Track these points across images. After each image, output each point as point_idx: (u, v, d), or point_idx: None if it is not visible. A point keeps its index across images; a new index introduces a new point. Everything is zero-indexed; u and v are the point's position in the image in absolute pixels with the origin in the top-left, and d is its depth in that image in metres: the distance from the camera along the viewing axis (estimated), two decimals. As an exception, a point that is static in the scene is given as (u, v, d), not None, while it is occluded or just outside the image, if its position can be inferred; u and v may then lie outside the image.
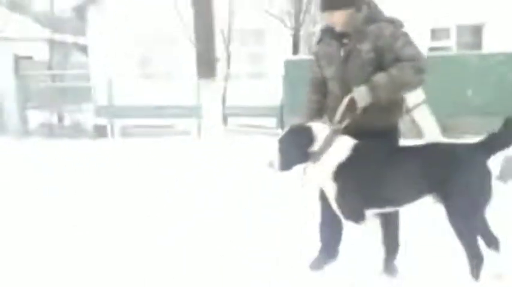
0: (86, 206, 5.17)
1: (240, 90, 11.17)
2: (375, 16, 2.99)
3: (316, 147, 2.98)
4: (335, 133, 2.98)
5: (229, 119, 11.03)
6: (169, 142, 9.12)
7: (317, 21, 11.52)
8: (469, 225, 2.80)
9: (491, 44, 11.88)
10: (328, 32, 3.14)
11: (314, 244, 3.57)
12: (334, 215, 3.12)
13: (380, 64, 2.91)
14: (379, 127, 3.01)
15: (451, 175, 2.77)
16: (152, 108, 11.22)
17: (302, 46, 11.77)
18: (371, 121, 2.96)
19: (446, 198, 2.80)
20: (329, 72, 3.14)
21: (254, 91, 11.04)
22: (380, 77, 2.84)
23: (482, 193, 2.80)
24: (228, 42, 11.45)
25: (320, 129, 3.02)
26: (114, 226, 4.50)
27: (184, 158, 7.36)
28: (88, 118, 11.51)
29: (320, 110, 3.29)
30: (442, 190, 2.80)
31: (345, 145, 2.97)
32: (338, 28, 3.02)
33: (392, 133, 3.15)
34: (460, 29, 12.60)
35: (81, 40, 17.45)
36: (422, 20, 11.64)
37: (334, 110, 3.03)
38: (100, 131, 10.97)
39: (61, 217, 4.77)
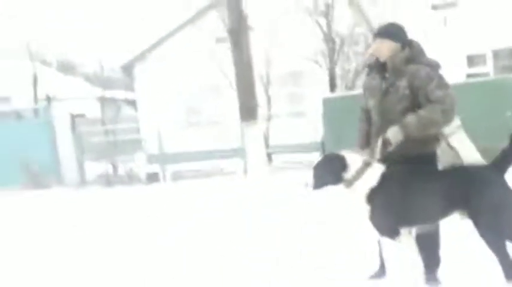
0: (141, 245, 5.45)
1: (282, 130, 11.57)
2: (415, 57, 3.32)
3: (348, 175, 3.34)
4: (367, 165, 3.34)
5: (274, 157, 11.39)
6: (217, 182, 9.53)
7: (351, 59, 11.94)
8: (496, 236, 3.06)
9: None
10: (374, 67, 3.52)
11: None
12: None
13: (414, 100, 3.24)
14: (416, 154, 3.29)
15: (472, 193, 3.07)
16: (199, 153, 11.78)
17: (339, 83, 12.14)
18: (408, 150, 3.26)
19: (471, 214, 3.10)
20: (371, 103, 3.49)
21: (295, 130, 11.42)
22: (410, 118, 3.18)
23: (503, 207, 3.05)
24: (267, 86, 11.99)
25: (353, 159, 3.39)
26: (169, 259, 4.73)
27: (231, 195, 7.72)
28: (141, 166, 12.17)
29: (367, 137, 3.61)
30: (467, 207, 3.11)
31: (376, 172, 3.32)
32: (382, 59, 3.39)
33: (429, 159, 3.41)
34: (496, 53, 12.65)
35: (130, 95, 18.53)
36: (458, 48, 11.84)
37: (375, 137, 3.39)
38: (153, 178, 11.59)
39: (118, 257, 5.05)
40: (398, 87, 3.28)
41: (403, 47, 3.36)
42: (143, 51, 15.03)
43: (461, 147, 4.42)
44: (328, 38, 11.86)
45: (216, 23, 11.58)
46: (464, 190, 3.11)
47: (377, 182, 3.30)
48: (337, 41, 11.85)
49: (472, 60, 12.74)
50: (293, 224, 5.66)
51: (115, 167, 12.00)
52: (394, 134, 3.23)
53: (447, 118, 3.18)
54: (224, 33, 11.42)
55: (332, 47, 11.86)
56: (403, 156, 3.27)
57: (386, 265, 3.60)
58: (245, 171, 10.84)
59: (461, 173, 3.23)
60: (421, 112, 3.16)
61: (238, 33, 6.86)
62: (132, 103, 17.77)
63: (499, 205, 3.06)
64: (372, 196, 3.31)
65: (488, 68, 12.70)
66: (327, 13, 11.83)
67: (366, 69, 3.76)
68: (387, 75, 3.38)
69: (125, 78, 16.67)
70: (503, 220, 3.05)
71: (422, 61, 3.31)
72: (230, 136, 12.16)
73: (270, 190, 7.18)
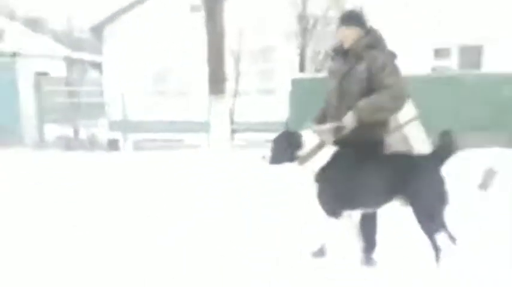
0: (96, 209, 5.58)
1: (249, 107, 11.62)
2: (375, 43, 3.54)
3: (302, 153, 3.52)
4: (320, 146, 3.52)
5: (237, 135, 11.46)
6: (179, 155, 9.55)
7: (322, 41, 12.00)
8: (431, 222, 3.31)
9: (490, 64, 12.27)
10: (338, 51, 3.72)
11: (313, 243, 3.92)
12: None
13: (370, 84, 3.44)
14: (365, 140, 3.49)
15: (411, 181, 3.29)
16: (164, 123, 11.74)
17: (308, 65, 12.22)
18: (359, 136, 3.46)
19: (409, 200, 3.33)
20: (332, 84, 3.68)
21: (263, 107, 11.49)
22: (363, 102, 3.39)
23: (438, 195, 3.30)
24: (238, 60, 11.94)
25: (309, 138, 3.57)
26: (119, 226, 4.90)
27: (192, 167, 7.78)
28: (102, 132, 12.04)
29: (324, 117, 3.80)
30: (406, 193, 3.32)
31: (327, 153, 3.52)
32: (346, 45, 3.60)
33: (377, 145, 3.61)
34: (462, 49, 12.99)
35: (97, 58, 18.13)
36: (426, 41, 12.08)
37: (332, 118, 3.60)
38: (113, 145, 11.48)
39: (70, 221, 5.15)
40: (357, 70, 3.48)
41: (365, 33, 3.55)
42: (114, 14, 14.65)
43: (414, 137, 4.66)
44: (302, 17, 11.88)
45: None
46: (404, 177, 3.30)
47: (327, 163, 3.48)
48: (311, 21, 11.88)
49: (438, 54, 13.05)
50: (252, 198, 5.84)
51: (76, 131, 11.82)
52: (349, 119, 3.41)
53: (396, 104, 3.38)
54: (199, 2, 11.31)
55: (305, 27, 11.90)
56: (353, 141, 3.45)
57: (327, 244, 3.77)
58: (208, 146, 10.90)
59: (403, 162, 3.43)
60: (372, 97, 3.35)
61: (213, 4, 6.81)
62: (99, 66, 17.40)
63: (434, 193, 3.28)
64: (320, 176, 3.50)
65: (453, 61, 13.04)
66: (302, -7, 11.84)
67: (332, 53, 3.89)
68: (348, 59, 3.57)
69: (93, 40, 16.25)
70: (436, 207, 3.26)
71: (381, 48, 3.52)
72: (197, 109, 12.19)
73: (232, 165, 7.26)
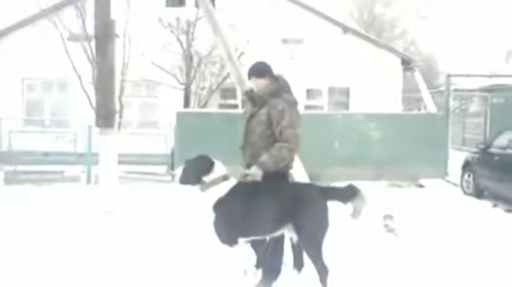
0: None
1: (131, 139, 11.55)
2: (278, 91, 4.06)
3: (207, 180, 3.82)
4: (224, 178, 3.87)
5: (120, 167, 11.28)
6: (59, 189, 9.16)
7: (206, 78, 12.52)
8: (317, 247, 3.75)
9: (356, 104, 13.80)
10: (249, 94, 4.27)
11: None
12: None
13: (270, 126, 3.95)
14: (271, 173, 3.93)
15: (298, 211, 3.72)
16: (39, 155, 11.14)
17: (192, 99, 12.59)
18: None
19: (296, 228, 3.75)
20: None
21: (144, 140, 11.51)
22: (264, 157, 3.88)
23: (322, 222, 3.79)
24: (121, 93, 11.88)
25: (219, 168, 3.90)
26: None
27: (78, 204, 7.53)
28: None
29: None
30: (293, 221, 3.75)
31: (227, 185, 3.85)
32: (257, 91, 4.14)
33: (284, 177, 4.11)
34: (331, 90, 14.43)
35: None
36: (300, 81, 13.21)
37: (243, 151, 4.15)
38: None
39: None
40: (260, 113, 3.99)
41: (271, 82, 4.08)
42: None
43: (294, 170, 5.28)
44: (187, 55, 12.29)
45: (71, 19, 11.24)
46: (293, 207, 3.73)
47: (225, 194, 3.82)
48: (196, 59, 12.33)
49: (310, 93, 14.32)
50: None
51: None
52: (254, 173, 3.87)
53: (293, 155, 3.99)
54: (78, 30, 11.11)
55: (190, 64, 12.31)
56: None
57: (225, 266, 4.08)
58: (89, 179, 10.60)
59: (292, 192, 3.87)
60: (273, 151, 3.87)
61: (104, 39, 6.86)
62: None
63: (319, 223, 3.76)
64: (218, 206, 3.81)
65: (324, 101, 14.39)
66: (188, 31, 12.27)
67: (244, 97, 4.45)
68: (256, 103, 4.12)
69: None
70: (319, 236, 3.74)
71: (283, 96, 4.02)
72: (75, 139, 11.80)
73: (120, 199, 7.20)
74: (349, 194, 3.87)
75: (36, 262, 4.82)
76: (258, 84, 4.13)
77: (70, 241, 5.53)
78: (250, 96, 4.26)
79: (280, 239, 4.04)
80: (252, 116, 4.10)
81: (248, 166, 4.01)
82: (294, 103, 4.05)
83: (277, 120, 3.89)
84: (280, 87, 4.07)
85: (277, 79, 4.13)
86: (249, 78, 4.20)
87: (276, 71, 4.24)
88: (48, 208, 7.37)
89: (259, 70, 4.15)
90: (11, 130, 11.78)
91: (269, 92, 4.04)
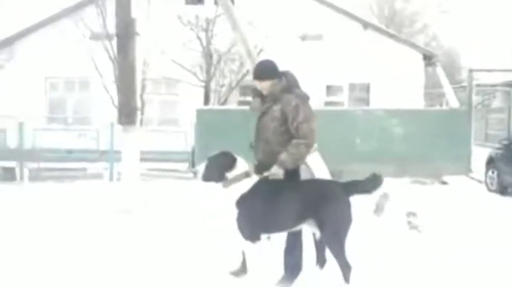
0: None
1: (152, 136, 11.67)
2: (289, 87, 4.03)
3: (230, 176, 3.84)
4: (247, 174, 3.89)
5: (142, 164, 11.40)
6: (82, 186, 9.29)
7: (225, 75, 12.56)
8: (340, 244, 3.73)
9: (377, 100, 13.68)
10: (257, 92, 4.19)
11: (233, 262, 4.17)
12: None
13: (284, 123, 3.93)
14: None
15: (321, 207, 3.71)
16: (62, 152, 11.32)
17: (212, 97, 12.65)
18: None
19: (319, 224, 3.74)
20: (255, 121, 4.15)
21: (165, 137, 11.61)
22: (283, 156, 3.86)
23: (345, 219, 3.76)
24: (142, 90, 12.01)
25: (241, 165, 3.90)
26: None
27: (101, 202, 7.57)
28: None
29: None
30: (316, 217, 3.73)
31: (250, 182, 3.87)
32: (264, 92, 4.08)
33: (294, 174, 4.05)
34: (351, 86, 14.35)
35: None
36: (320, 78, 13.15)
37: (254, 148, 4.12)
38: (8, 175, 10.85)
39: None
40: (273, 110, 3.95)
41: (279, 79, 4.01)
42: (10, 38, 14.00)
43: (316, 166, 5.26)
44: (207, 53, 12.34)
45: (92, 18, 11.39)
46: (315, 203, 3.72)
47: (247, 190, 3.83)
48: (215, 56, 12.37)
49: (330, 90, 14.25)
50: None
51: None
52: (275, 171, 3.88)
53: (310, 149, 3.97)
54: (99, 29, 11.25)
55: (209, 61, 12.36)
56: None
57: (248, 263, 4.08)
58: (111, 176, 10.74)
59: (314, 189, 3.88)
60: (291, 149, 3.86)
61: (125, 37, 6.94)
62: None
63: (341, 219, 3.74)
64: (240, 202, 3.82)
65: (344, 97, 14.31)
66: (207, 29, 12.32)
67: (253, 93, 4.38)
68: (266, 99, 4.05)
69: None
70: (342, 232, 3.73)
71: (295, 92, 4.00)
72: (98, 137, 11.96)
73: (142, 197, 7.27)
74: (372, 183, 3.85)
75: (56, 257, 4.88)
76: (263, 86, 4.05)
77: (90, 238, 5.60)
78: (259, 92, 4.15)
79: (298, 235, 4.04)
80: (263, 113, 4.06)
81: (260, 162, 4.03)
82: (306, 98, 4.03)
83: (293, 116, 3.88)
84: (290, 83, 4.05)
85: (284, 75, 4.08)
86: (254, 80, 4.14)
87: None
88: (71, 205, 7.50)
89: (264, 72, 4.06)
90: (34, 128, 12.00)
91: (280, 89, 4.00)
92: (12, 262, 4.73)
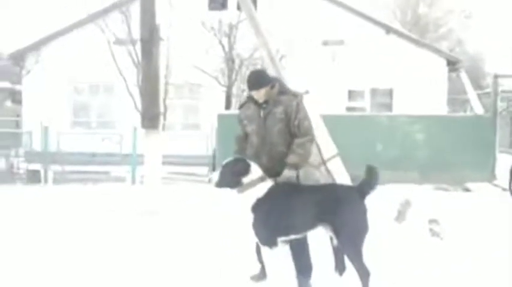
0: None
1: (174, 141, 11.80)
2: (284, 90, 4.19)
3: (245, 182, 3.88)
4: (263, 178, 3.91)
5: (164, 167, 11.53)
6: (105, 189, 9.42)
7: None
8: (356, 249, 3.70)
9: (400, 106, 13.56)
10: (250, 99, 4.22)
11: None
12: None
13: (287, 123, 4.03)
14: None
15: (337, 211, 3.70)
16: (86, 155, 11.55)
17: (234, 101, 12.72)
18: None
19: (334, 228, 3.73)
20: (250, 128, 4.17)
21: (187, 142, 11.73)
22: (292, 158, 3.95)
23: (361, 224, 3.74)
24: (165, 95, 12.16)
25: (255, 170, 3.91)
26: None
27: (124, 205, 7.66)
28: (20, 163, 11.58)
29: (243, 149, 4.28)
30: (331, 222, 3.73)
31: (265, 187, 3.88)
32: (260, 100, 4.12)
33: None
34: (373, 91, 14.26)
35: (17, 87, 17.31)
36: (341, 83, 13.12)
37: (255, 155, 4.09)
38: (33, 177, 11.10)
39: None
40: (275, 113, 4.04)
41: (272, 86, 4.12)
42: (37, 42, 14.33)
43: (335, 171, 5.25)
44: (229, 58, 12.43)
45: (117, 24, 11.59)
46: (330, 208, 3.72)
47: (263, 194, 3.84)
48: (237, 61, 12.46)
49: (351, 95, 14.19)
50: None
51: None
52: (288, 173, 3.92)
53: (313, 143, 4.18)
54: (124, 35, 11.43)
55: (231, 66, 12.45)
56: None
57: (267, 268, 4.09)
58: (133, 179, 10.90)
59: (330, 193, 3.88)
60: (298, 150, 3.96)
61: (149, 43, 7.05)
62: (17, 95, 16.65)
63: (357, 224, 3.73)
64: (256, 207, 3.84)
65: (366, 103, 14.22)
66: (230, 34, 12.41)
67: (242, 101, 4.44)
68: (264, 105, 4.10)
69: (12, 68, 15.63)
70: (358, 235, 3.71)
71: (290, 92, 4.20)
72: (121, 141, 12.14)
73: (164, 199, 7.35)
74: (369, 177, 3.83)
75: (80, 258, 4.96)
76: (261, 95, 4.07)
77: (115, 239, 5.69)
78: (254, 101, 4.15)
79: (303, 240, 4.03)
80: (264, 118, 4.06)
81: (267, 170, 3.97)
82: (301, 97, 4.20)
83: (295, 114, 4.00)
84: (284, 86, 4.24)
85: (276, 80, 4.25)
86: (249, 90, 4.17)
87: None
88: (95, 206, 7.61)
89: (258, 82, 4.08)
90: (59, 132, 12.26)
91: (278, 92, 4.11)
92: (36, 263, 4.82)
